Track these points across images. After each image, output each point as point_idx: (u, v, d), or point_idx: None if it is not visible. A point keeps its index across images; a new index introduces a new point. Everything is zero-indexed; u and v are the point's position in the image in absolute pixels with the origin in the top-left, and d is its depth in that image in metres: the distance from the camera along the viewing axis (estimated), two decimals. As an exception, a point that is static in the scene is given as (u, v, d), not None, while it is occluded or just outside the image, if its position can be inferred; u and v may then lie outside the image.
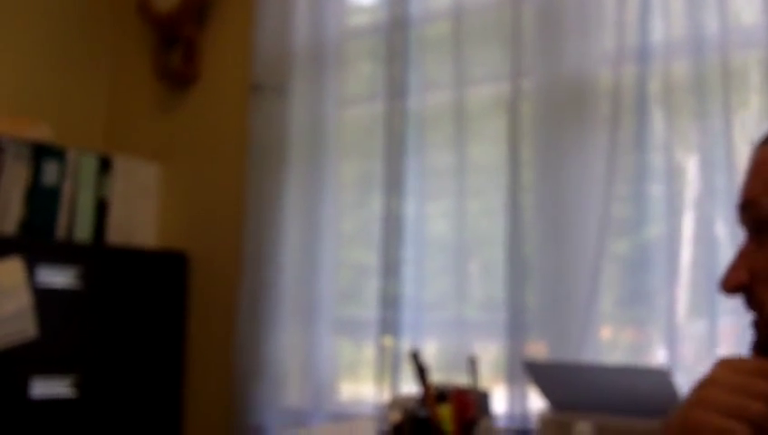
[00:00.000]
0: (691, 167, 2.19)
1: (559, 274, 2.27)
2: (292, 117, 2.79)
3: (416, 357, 1.79)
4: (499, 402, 2.26)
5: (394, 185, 2.60)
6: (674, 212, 2.18)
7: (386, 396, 2.39)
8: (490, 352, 2.43)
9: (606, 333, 2.27)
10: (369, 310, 2.61)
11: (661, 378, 1.66)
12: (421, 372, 1.77)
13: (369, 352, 2.60)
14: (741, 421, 0.83)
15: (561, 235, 2.30)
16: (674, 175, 2.20)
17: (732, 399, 0.85)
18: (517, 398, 2.28)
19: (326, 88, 2.78)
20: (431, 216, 2.60)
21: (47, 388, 2.63)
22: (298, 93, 2.80)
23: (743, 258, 0.98)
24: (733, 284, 0.97)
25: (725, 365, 0.89)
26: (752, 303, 0.97)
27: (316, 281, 2.69)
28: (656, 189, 2.24)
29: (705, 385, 0.88)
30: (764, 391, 0.85)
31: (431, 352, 2.48)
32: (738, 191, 1.02)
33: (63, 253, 2.77)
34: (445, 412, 1.72)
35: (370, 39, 2.82)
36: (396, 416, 1.80)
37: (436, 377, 1.99)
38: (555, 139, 2.33)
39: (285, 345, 2.70)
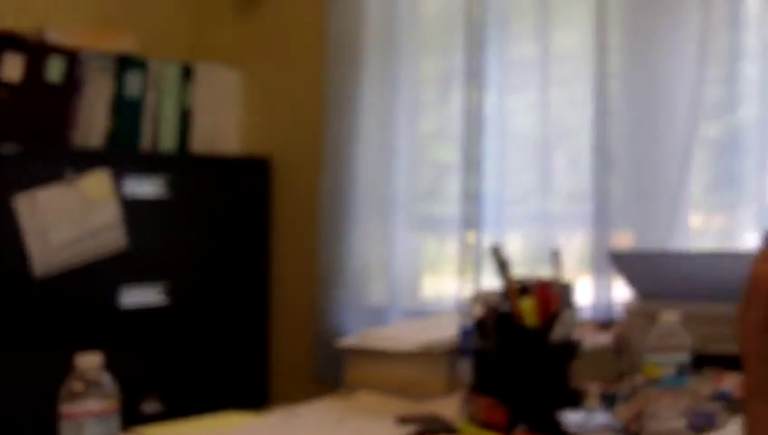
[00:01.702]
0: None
1: (646, 162, 2.22)
2: (367, 13, 2.73)
3: (497, 251, 1.75)
4: (584, 294, 2.24)
5: (474, 79, 2.54)
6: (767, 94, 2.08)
7: (469, 291, 2.38)
8: (575, 244, 2.40)
9: (695, 220, 2.22)
10: (451, 206, 2.59)
11: (750, 262, 1.60)
12: (503, 266, 1.74)
13: (452, 247, 2.59)
14: None
15: (649, 122, 2.23)
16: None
17: None
18: (602, 289, 2.26)
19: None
20: (513, 109, 2.54)
21: (137, 297, 2.70)
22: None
23: None
24: None
25: None
26: None
27: (394, 179, 2.67)
28: (750, 70, 2.14)
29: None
30: None
31: (515, 246, 2.46)
32: None
33: (149, 163, 2.81)
34: (527, 305, 1.69)
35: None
36: (478, 310, 1.78)
37: (521, 271, 1.96)
38: (644, 21, 2.24)
39: (365, 244, 2.71)
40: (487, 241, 2.42)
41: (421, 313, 2.47)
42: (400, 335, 1.95)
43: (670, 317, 1.50)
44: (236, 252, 2.97)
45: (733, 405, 1.55)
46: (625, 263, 1.89)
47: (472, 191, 2.52)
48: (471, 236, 2.50)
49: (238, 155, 3.13)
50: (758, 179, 2.06)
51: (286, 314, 3.02)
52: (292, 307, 2.99)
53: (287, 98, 3.07)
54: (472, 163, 2.53)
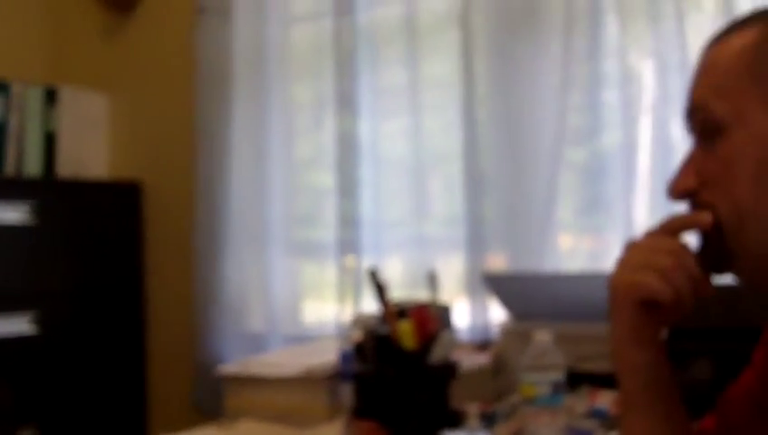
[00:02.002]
0: (646, 72, 2.18)
1: (516, 186, 2.28)
2: (237, 39, 2.73)
3: (374, 275, 1.78)
4: (462, 316, 2.28)
5: (347, 104, 2.56)
6: (630, 119, 2.18)
7: (348, 315, 2.39)
8: (453, 267, 2.44)
9: (566, 241, 2.29)
10: (328, 231, 2.59)
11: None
12: (380, 289, 1.77)
13: (330, 272, 2.59)
14: (650, 273, 0.96)
15: (516, 147, 2.29)
16: (629, 81, 2.19)
17: (642, 257, 0.97)
18: (479, 310, 2.30)
19: (270, 7, 2.70)
20: (387, 134, 2.57)
21: (4, 326, 2.60)
22: (242, 14, 2.72)
23: (691, 164, 0.98)
24: (681, 189, 0.98)
25: (640, 238, 1.01)
26: (699, 208, 0.97)
27: (269, 204, 2.66)
28: (611, 96, 2.23)
29: (620, 256, 1.01)
30: (670, 246, 0.96)
31: (394, 270, 2.48)
32: (686, 99, 1.00)
33: (13, 188, 2.72)
34: (405, 328, 1.71)
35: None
36: (357, 334, 1.79)
37: (401, 294, 1.99)
38: (508, 50, 2.31)
39: (242, 271, 2.69)
40: (366, 265, 2.44)
41: (302, 338, 2.46)
42: (281, 361, 1.94)
43: (543, 337, 1.54)
44: (108, 279, 2.90)
45: (608, 422, 1.60)
46: (498, 285, 1.94)
47: (349, 216, 2.53)
48: (349, 260, 2.51)
49: (107, 180, 3.06)
50: (623, 203, 2.14)
51: (164, 343, 2.95)
52: (170, 335, 2.93)
53: (157, 123, 3.02)
54: (348, 188, 2.54)
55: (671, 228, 1.00)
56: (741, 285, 1.01)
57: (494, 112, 2.35)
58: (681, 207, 1.98)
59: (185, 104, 2.87)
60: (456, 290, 2.39)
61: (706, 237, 0.97)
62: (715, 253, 0.96)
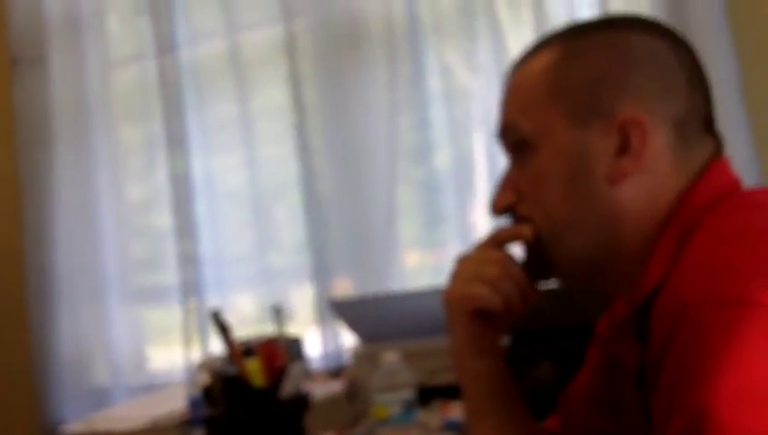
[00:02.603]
0: (473, 88, 2.24)
1: (355, 210, 2.30)
2: (55, 87, 2.64)
3: (216, 316, 1.73)
4: (314, 345, 2.26)
5: (178, 143, 2.52)
6: (461, 135, 2.23)
7: (197, 359, 2.33)
8: (303, 297, 2.42)
9: (413, 259, 2.31)
10: (169, 274, 2.54)
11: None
12: (224, 330, 1.72)
13: (175, 316, 2.52)
14: (479, 284, 1.02)
15: (353, 172, 2.32)
16: (456, 99, 2.25)
17: (471, 269, 1.04)
18: (330, 338, 2.30)
19: (88, 52, 2.63)
20: (222, 170, 2.54)
21: None
22: (58, 61, 2.64)
23: (507, 180, 1.01)
24: (500, 205, 1.01)
25: (469, 251, 1.07)
26: (519, 221, 1.01)
27: (102, 252, 2.58)
28: (440, 115, 2.29)
29: (452, 270, 1.06)
30: (497, 258, 1.03)
31: (244, 306, 2.45)
32: (498, 116, 1.03)
33: None
34: (253, 366, 1.68)
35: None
36: (205, 378, 1.74)
37: (252, 331, 1.97)
38: (336, 77, 2.33)
39: (79, 324, 2.58)
40: (211, 305, 2.39)
41: (150, 387, 2.38)
42: (127, 415, 1.88)
43: (391, 357, 1.55)
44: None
45: (461, 432, 1.61)
46: (344, 310, 1.93)
47: (189, 256, 2.48)
48: (193, 303, 2.45)
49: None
50: (461, 217, 2.18)
51: (4, 409, 2.80)
52: (10, 401, 2.77)
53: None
54: (186, 228, 2.49)
55: (497, 241, 1.05)
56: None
57: (327, 139, 2.37)
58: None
59: (6, 158, 2.74)
60: (307, 320, 2.37)
61: (529, 248, 1.01)
62: (538, 261, 1.00)
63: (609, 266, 0.96)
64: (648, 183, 0.93)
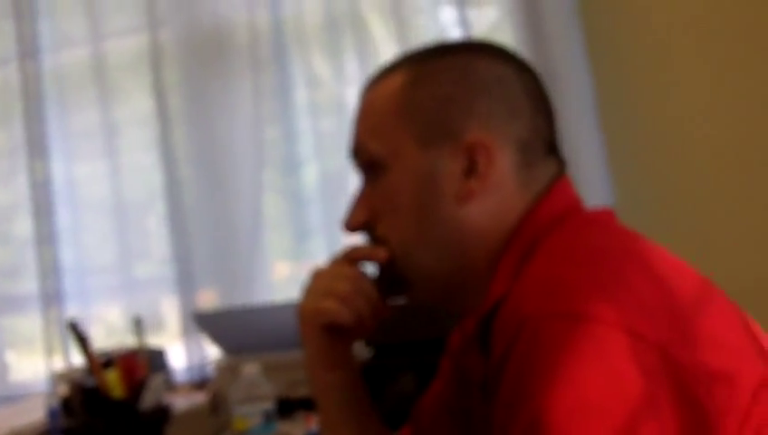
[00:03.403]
0: (343, 101, 2.25)
1: (222, 221, 2.29)
2: None
3: (74, 327, 1.71)
4: (179, 357, 2.25)
5: (38, 150, 2.46)
6: (330, 148, 2.25)
7: (57, 370, 2.29)
8: (169, 309, 2.40)
9: (284, 270, 2.32)
10: (31, 282, 2.48)
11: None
12: (82, 341, 1.71)
13: (36, 326, 2.46)
14: (331, 299, 1.06)
15: (219, 182, 2.31)
16: (325, 111, 2.27)
17: (324, 284, 1.07)
18: (195, 350, 2.29)
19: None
20: (84, 178, 2.49)
21: None
22: None
23: (361, 199, 1.04)
24: (354, 224, 1.04)
25: (323, 266, 1.11)
26: (374, 239, 1.03)
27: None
28: (308, 127, 2.30)
29: (305, 284, 1.10)
30: (349, 274, 1.06)
31: (109, 317, 2.41)
32: (350, 137, 1.06)
33: None
34: (112, 377, 1.67)
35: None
36: (63, 389, 1.72)
37: (116, 342, 1.94)
38: (201, 88, 2.33)
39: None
40: (73, 315, 2.35)
41: (11, 398, 2.33)
42: (-17, 428, 1.83)
43: (251, 369, 1.57)
44: None
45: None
46: (207, 323, 1.94)
47: (50, 265, 2.43)
48: (54, 312, 2.40)
49: None
50: (328, 231, 2.23)
51: None
52: None
53: None
54: (47, 236, 2.44)
55: (351, 257, 1.08)
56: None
57: (193, 149, 2.35)
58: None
59: None
60: (175, 331, 2.36)
61: (382, 265, 1.03)
62: (390, 278, 1.03)
63: (457, 283, 0.99)
64: (493, 203, 0.97)
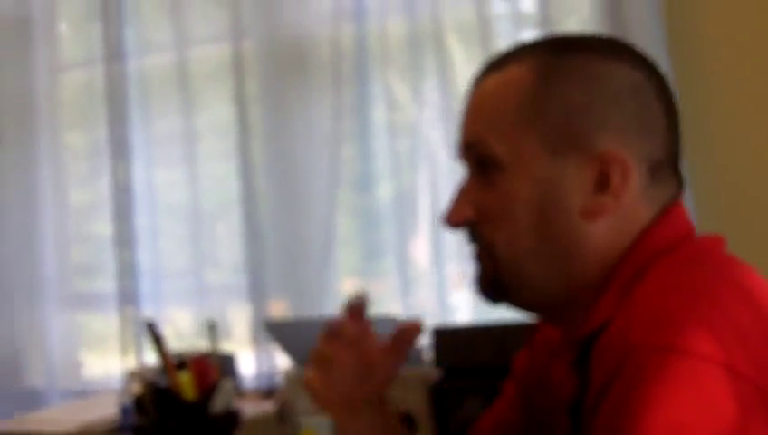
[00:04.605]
0: (420, 123, 2.27)
1: (294, 233, 2.32)
2: (2, 89, 2.63)
3: (151, 327, 1.75)
4: (248, 364, 2.28)
5: (121, 152, 2.52)
6: (404, 168, 2.27)
7: (131, 368, 2.34)
8: (240, 315, 2.43)
9: (350, 286, 2.33)
10: (108, 282, 2.54)
11: (392, 325, 1.72)
12: (157, 341, 1.74)
13: (112, 324, 2.53)
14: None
15: (293, 195, 2.34)
16: (401, 131, 2.28)
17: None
18: (264, 358, 2.32)
19: (36, 54, 2.63)
20: (164, 183, 2.55)
21: None
22: (6, 63, 2.63)
23: (466, 194, 0.98)
24: (457, 219, 0.98)
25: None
26: (477, 238, 0.98)
27: (41, 256, 2.58)
28: (384, 146, 2.31)
29: None
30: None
31: (181, 320, 2.46)
32: (459, 131, 1.00)
33: None
34: (185, 379, 1.70)
35: (83, -1, 2.68)
36: (136, 387, 1.76)
37: (187, 344, 1.98)
38: (281, 99, 2.35)
39: (14, 326, 2.58)
40: (147, 316, 2.39)
41: (84, 393, 2.38)
42: (58, 417, 1.89)
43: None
44: None
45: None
46: (278, 331, 1.96)
47: (127, 266, 2.49)
48: (129, 312, 2.46)
49: None
50: (399, 250, 2.24)
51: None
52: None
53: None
54: (125, 237, 2.50)
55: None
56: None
57: (270, 160, 2.38)
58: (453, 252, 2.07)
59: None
60: (243, 338, 2.39)
61: (485, 269, 0.98)
62: (492, 284, 0.98)
63: (562, 297, 0.95)
64: (618, 222, 0.93)
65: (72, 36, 2.72)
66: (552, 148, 0.92)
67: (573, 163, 0.92)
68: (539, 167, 0.93)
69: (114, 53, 2.54)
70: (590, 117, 0.92)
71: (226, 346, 2.15)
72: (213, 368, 1.76)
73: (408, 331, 1.12)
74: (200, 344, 2.07)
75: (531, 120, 0.93)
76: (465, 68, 2.23)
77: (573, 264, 0.94)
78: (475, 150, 0.97)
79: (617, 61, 0.95)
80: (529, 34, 2.18)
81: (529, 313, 1.02)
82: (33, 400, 2.50)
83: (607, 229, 0.93)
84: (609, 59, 0.95)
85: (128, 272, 2.49)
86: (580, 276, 0.94)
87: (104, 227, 2.56)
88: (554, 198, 0.92)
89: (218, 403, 1.73)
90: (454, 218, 0.98)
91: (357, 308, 1.12)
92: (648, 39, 1.96)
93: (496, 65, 0.98)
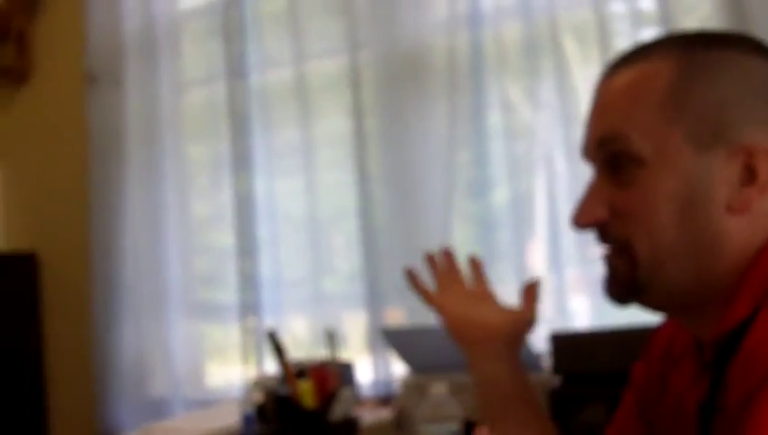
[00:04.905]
0: (536, 126, 2.24)
1: (410, 241, 2.31)
2: (128, 105, 2.73)
3: (272, 336, 1.79)
4: (365, 371, 2.29)
5: (242, 164, 2.59)
6: (521, 171, 2.24)
7: (252, 377, 2.39)
8: (356, 323, 2.45)
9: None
10: (229, 292, 2.60)
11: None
12: (279, 350, 1.78)
13: (233, 334, 2.59)
14: None
15: (409, 203, 2.34)
16: (517, 135, 2.26)
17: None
18: (381, 365, 2.33)
19: (161, 73, 2.72)
20: (283, 193, 2.60)
21: None
22: (133, 81, 2.74)
23: (597, 194, 0.96)
24: (588, 220, 0.96)
25: None
26: (607, 237, 0.96)
27: (166, 266, 2.66)
28: (498, 150, 2.29)
29: None
30: None
31: (298, 328, 2.50)
32: (587, 128, 0.98)
33: None
34: (305, 388, 1.73)
35: (205, 19, 2.77)
36: (258, 396, 1.79)
37: (305, 353, 2.00)
38: (397, 109, 2.36)
39: (141, 335, 2.67)
40: (268, 325, 2.44)
41: (206, 402, 2.44)
42: (182, 426, 1.93)
43: (439, 389, 1.57)
44: (6, 350, 2.83)
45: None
46: (396, 339, 1.96)
47: (248, 276, 2.54)
48: (251, 322, 2.51)
49: (2, 252, 3.00)
50: (516, 255, 2.20)
51: (64, 412, 2.89)
52: (71, 405, 2.87)
53: (51, 192, 3.00)
54: (247, 248, 2.56)
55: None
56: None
57: (386, 169, 2.40)
58: (572, 256, 2.03)
59: (78, 172, 2.85)
60: (360, 346, 2.41)
61: (616, 267, 0.96)
62: (626, 285, 0.95)
63: (695, 296, 0.93)
64: (762, 215, 0.91)
65: (194, 54, 2.80)
66: (697, 142, 0.90)
67: (720, 158, 0.90)
68: (684, 161, 0.91)
69: (236, 70, 2.61)
70: (735, 110, 0.90)
71: (343, 354, 2.17)
72: (332, 376, 1.78)
73: (531, 286, 1.28)
74: (318, 352, 2.09)
75: (675, 114, 0.91)
76: (582, 69, 2.19)
77: (713, 259, 0.91)
78: (611, 147, 0.94)
79: (755, 55, 0.93)
80: (648, 33, 2.12)
81: (659, 312, 1.00)
82: (158, 409, 2.58)
83: (749, 222, 0.90)
84: (747, 53, 0.93)
85: (249, 282, 2.54)
86: (717, 274, 0.91)
87: (226, 238, 2.62)
88: (701, 193, 0.90)
89: (338, 411, 1.75)
90: (585, 219, 0.96)
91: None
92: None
93: (629, 61, 0.96)
